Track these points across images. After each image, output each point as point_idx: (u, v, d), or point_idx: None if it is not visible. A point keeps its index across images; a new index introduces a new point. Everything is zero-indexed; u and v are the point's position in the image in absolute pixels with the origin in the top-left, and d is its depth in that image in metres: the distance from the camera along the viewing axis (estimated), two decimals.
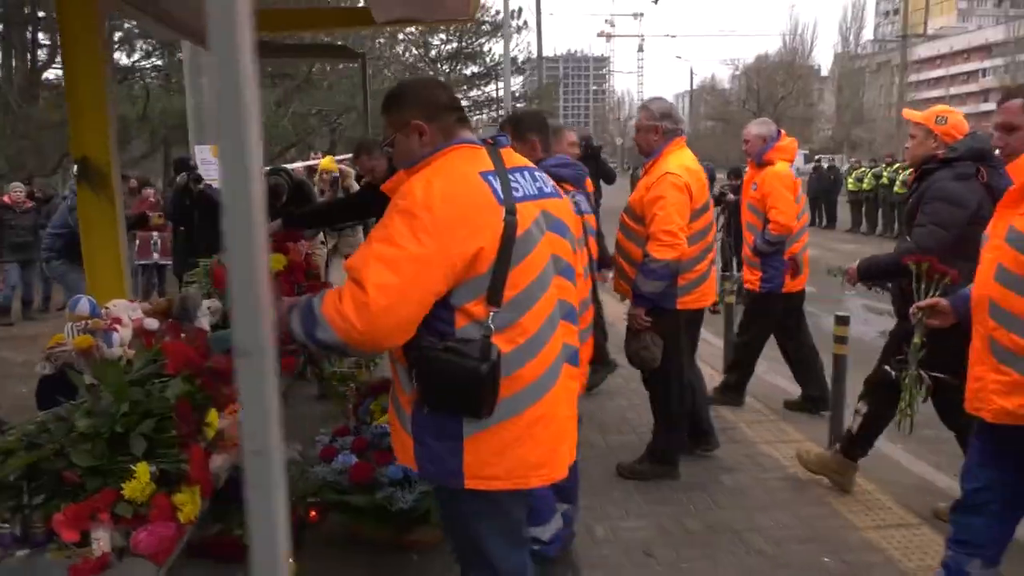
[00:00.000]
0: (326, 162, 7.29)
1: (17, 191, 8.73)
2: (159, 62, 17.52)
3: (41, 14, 14.70)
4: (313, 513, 3.23)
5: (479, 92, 26.76)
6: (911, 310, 2.81)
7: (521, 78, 29.02)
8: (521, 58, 27.54)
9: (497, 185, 1.86)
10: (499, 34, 25.63)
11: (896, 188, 15.30)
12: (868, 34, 64.26)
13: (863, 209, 17.09)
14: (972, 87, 63.29)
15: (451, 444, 1.87)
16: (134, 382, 2.48)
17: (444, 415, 1.86)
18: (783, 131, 4.90)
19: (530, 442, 1.88)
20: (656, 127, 3.66)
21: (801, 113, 53.21)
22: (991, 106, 55.32)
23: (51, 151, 13.49)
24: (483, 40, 24.87)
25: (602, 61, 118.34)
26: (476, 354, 1.79)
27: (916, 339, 2.91)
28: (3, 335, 7.98)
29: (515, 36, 26.57)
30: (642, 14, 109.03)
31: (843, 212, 17.98)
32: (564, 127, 4.69)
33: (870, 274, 3.56)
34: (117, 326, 2.80)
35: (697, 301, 3.78)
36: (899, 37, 60.07)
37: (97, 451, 2.27)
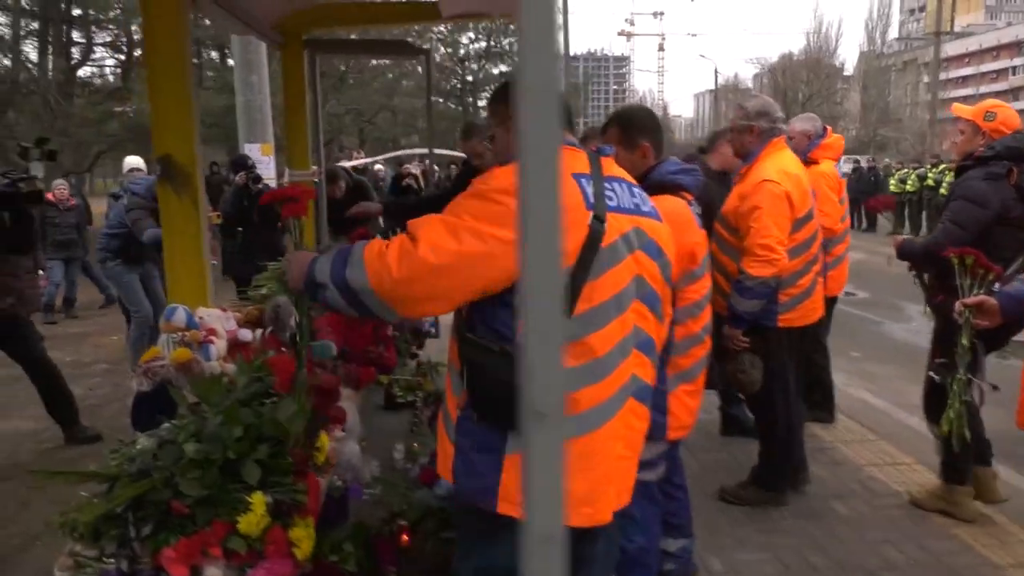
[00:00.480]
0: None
1: (61, 188, 8.62)
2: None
3: (77, 12, 14.68)
4: (405, 537, 3.02)
5: None
6: (956, 307, 2.63)
7: None
8: None
9: (589, 189, 1.72)
10: (444, 23, 25.48)
11: (942, 190, 14.91)
12: (893, 32, 63.37)
13: (906, 211, 16.70)
14: (1002, 85, 62.18)
15: (492, 458, 1.68)
16: (241, 402, 2.29)
17: (490, 425, 1.69)
18: (829, 127, 4.66)
19: (575, 475, 1.65)
20: (751, 127, 3.36)
21: (827, 112, 52.55)
22: (1020, 104, 54.61)
23: (87, 149, 13.44)
24: (512, 39, 24.64)
25: (622, 60, 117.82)
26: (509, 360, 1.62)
27: (963, 340, 2.70)
28: (48, 334, 7.87)
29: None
30: (662, 13, 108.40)
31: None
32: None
33: (904, 255, 3.52)
34: (213, 338, 2.61)
35: (802, 318, 3.45)
36: (927, 35, 59.32)
37: (208, 480, 2.07)
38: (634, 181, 1.93)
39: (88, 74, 15.35)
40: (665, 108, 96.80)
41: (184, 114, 3.08)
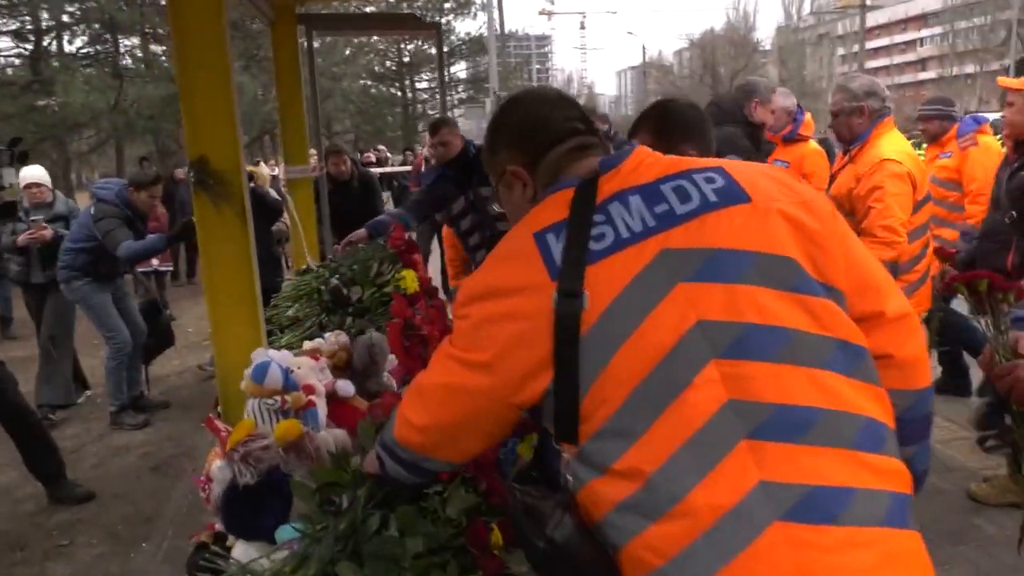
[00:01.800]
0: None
1: None
2: (99, 48, 16.06)
3: None
4: None
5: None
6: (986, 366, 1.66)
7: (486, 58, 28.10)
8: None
9: (555, 245, 1.14)
10: (464, 12, 24.73)
11: None
12: (807, 6, 64.96)
13: None
14: (911, 56, 64.62)
15: None
16: (386, 497, 1.70)
17: None
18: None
19: None
20: (861, 108, 3.14)
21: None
22: (929, 74, 56.82)
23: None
24: (448, 18, 23.84)
25: (544, 40, 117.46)
26: (535, 524, 1.14)
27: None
28: None
29: (476, 15, 25.69)
30: None
31: None
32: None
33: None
34: (314, 398, 1.99)
35: (917, 307, 3.16)
36: (838, 8, 61.02)
37: None
38: (677, 166, 1.21)
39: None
40: (591, 87, 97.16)
41: (223, 108, 2.43)
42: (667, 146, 1.75)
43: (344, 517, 1.61)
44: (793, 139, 4.48)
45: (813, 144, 4.54)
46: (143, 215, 4.82)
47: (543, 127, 1.32)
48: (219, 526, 1.94)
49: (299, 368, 2.05)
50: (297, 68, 4.59)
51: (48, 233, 4.87)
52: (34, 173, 5.25)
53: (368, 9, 12.97)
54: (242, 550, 1.80)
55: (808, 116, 4.57)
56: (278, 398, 1.90)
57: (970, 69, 49.84)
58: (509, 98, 1.45)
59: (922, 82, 60.00)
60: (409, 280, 3.29)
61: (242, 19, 11.33)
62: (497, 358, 1.14)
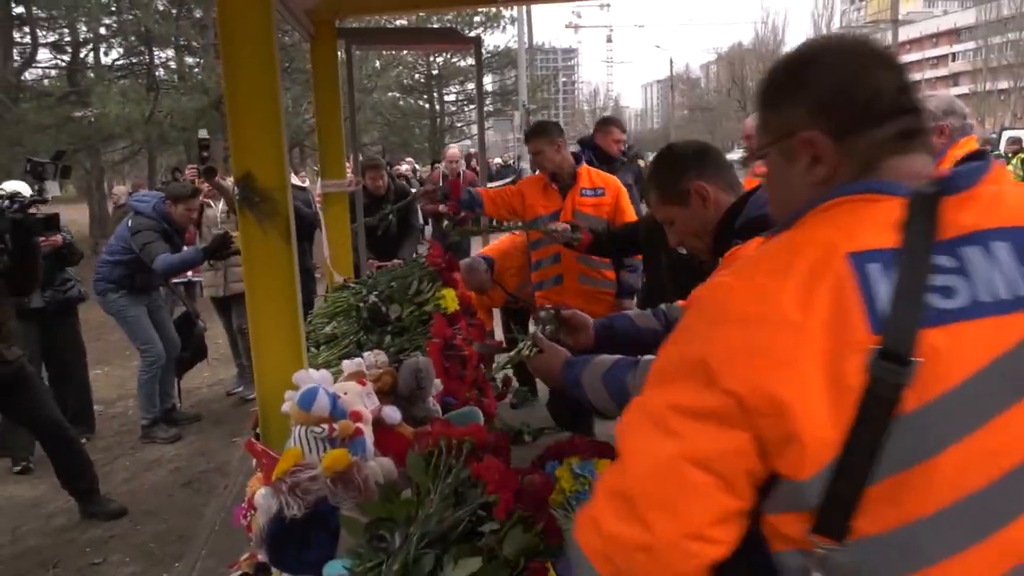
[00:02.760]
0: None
1: None
2: (134, 60, 16.32)
3: (18, 9, 13.45)
4: None
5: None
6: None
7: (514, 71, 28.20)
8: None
9: (880, 281, 0.83)
10: (493, 25, 24.82)
11: None
12: (836, 21, 64.56)
13: None
14: (942, 71, 63.90)
15: None
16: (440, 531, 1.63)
17: None
18: None
19: None
20: (941, 127, 3.06)
21: None
22: (962, 89, 56.12)
23: (41, 156, 12.28)
24: (478, 31, 23.91)
25: (570, 52, 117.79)
26: None
27: None
28: None
29: (505, 29, 25.80)
30: (609, 4, 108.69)
31: None
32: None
33: None
34: (361, 425, 1.93)
35: None
36: (868, 23, 60.60)
37: None
38: None
39: (35, 77, 14.08)
40: (617, 99, 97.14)
41: (270, 123, 2.38)
42: (673, 193, 1.77)
43: (397, 557, 1.54)
44: None
45: None
46: (180, 228, 4.81)
47: (869, 92, 0.94)
48: (262, 556, 1.88)
49: (346, 394, 1.99)
50: (336, 83, 4.56)
51: (59, 239, 4.46)
52: (14, 186, 5.20)
53: (399, 22, 13.05)
54: None
55: None
56: (326, 426, 1.84)
57: (1004, 84, 49.15)
58: (819, 41, 1.04)
59: (956, 96, 59.33)
60: (449, 299, 3.22)
61: (279, 33, 11.42)
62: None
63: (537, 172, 3.96)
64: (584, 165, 3.85)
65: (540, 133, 3.82)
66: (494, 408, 3.46)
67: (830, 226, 0.89)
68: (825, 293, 0.82)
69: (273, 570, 1.80)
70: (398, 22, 13.39)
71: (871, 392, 0.79)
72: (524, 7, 13.29)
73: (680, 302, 2.08)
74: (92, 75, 14.31)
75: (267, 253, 2.44)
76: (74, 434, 3.84)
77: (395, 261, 4.90)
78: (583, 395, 1.73)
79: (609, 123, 4.61)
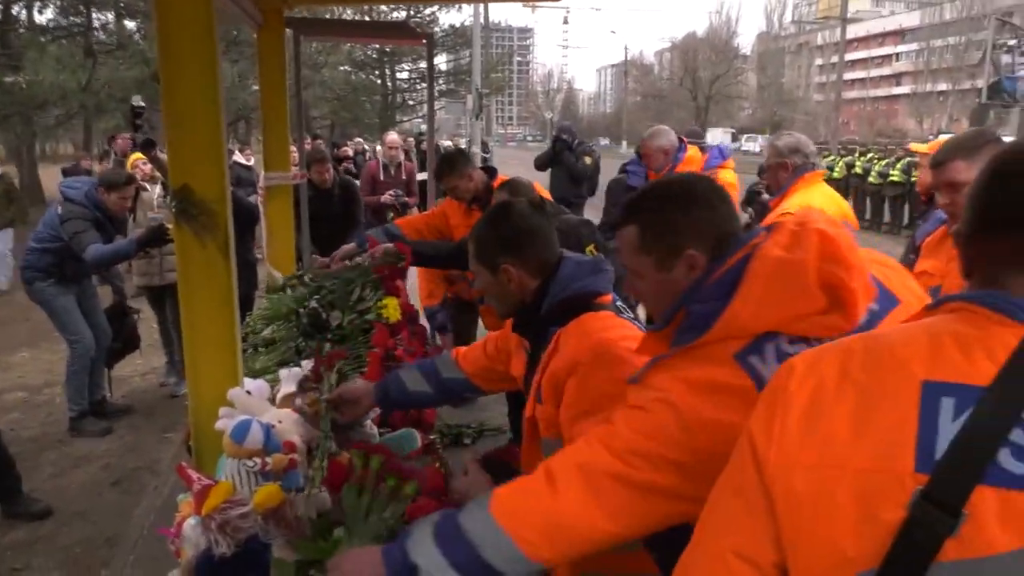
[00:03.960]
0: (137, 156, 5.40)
1: None
2: (73, 18, 15.58)
3: None
4: None
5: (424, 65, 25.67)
6: None
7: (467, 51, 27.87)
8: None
9: (946, 417, 0.79)
10: (449, 5, 24.48)
11: (871, 178, 15.23)
12: (789, 15, 65.65)
13: None
14: (886, 70, 65.60)
15: None
16: None
17: None
18: (684, 138, 4.82)
19: None
20: (785, 163, 3.46)
21: (736, 92, 53.93)
22: (903, 89, 57.61)
23: None
24: (434, 9, 23.58)
25: (526, 32, 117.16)
26: None
27: None
28: None
29: (461, 8, 25.46)
30: None
31: None
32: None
33: None
34: (295, 456, 1.90)
35: None
36: (819, 19, 61.74)
37: None
38: None
39: None
40: (571, 83, 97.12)
41: (209, 131, 2.31)
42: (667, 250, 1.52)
43: None
44: None
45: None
46: (113, 217, 4.64)
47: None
48: None
49: (280, 422, 1.96)
50: (283, 73, 4.45)
51: None
52: None
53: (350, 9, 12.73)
54: None
55: (691, 152, 4.73)
56: (258, 460, 1.81)
57: (943, 87, 50.76)
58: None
59: (896, 96, 61.03)
60: (391, 309, 3.19)
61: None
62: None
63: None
64: (500, 178, 3.76)
65: (448, 171, 3.77)
66: (433, 416, 3.46)
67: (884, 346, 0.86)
68: (883, 420, 0.80)
69: None
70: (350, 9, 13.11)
71: (907, 530, 0.76)
72: None
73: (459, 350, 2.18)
74: (25, 35, 13.58)
75: (205, 267, 2.37)
76: None
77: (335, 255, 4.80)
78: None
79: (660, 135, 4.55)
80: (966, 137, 2.35)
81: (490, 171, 3.86)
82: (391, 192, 6.90)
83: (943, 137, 3.91)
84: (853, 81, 63.22)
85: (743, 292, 1.18)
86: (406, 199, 7.22)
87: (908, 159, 13.83)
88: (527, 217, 1.79)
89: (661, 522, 1.18)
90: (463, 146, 16.45)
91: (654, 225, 1.31)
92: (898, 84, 62.73)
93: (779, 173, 3.51)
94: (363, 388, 2.12)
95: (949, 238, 2.36)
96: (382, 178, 7.27)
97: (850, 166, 16.29)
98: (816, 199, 3.35)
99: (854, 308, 1.17)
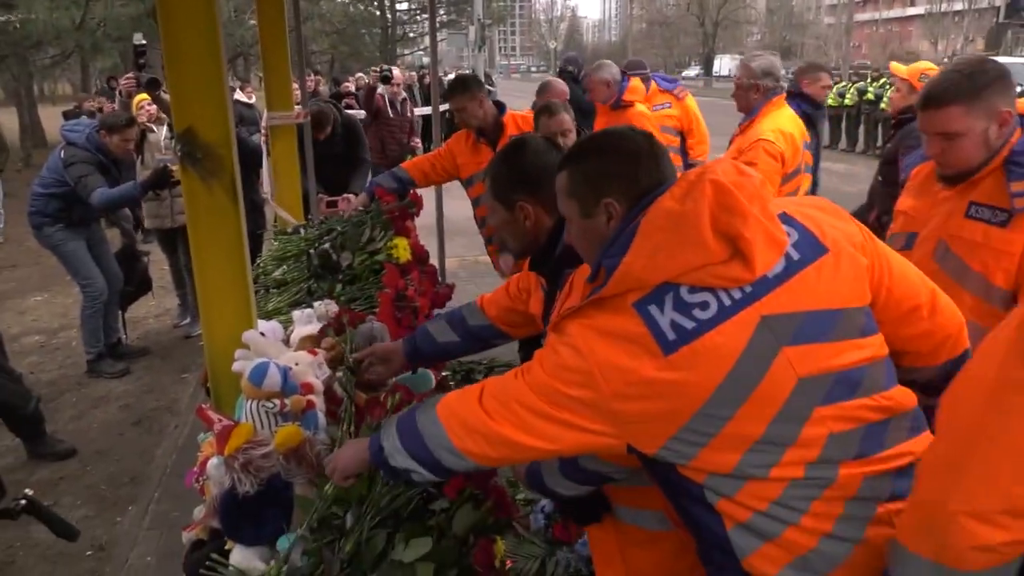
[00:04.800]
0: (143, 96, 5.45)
1: None
2: None
3: None
4: None
5: None
6: None
7: None
8: None
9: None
10: None
11: (883, 105, 14.91)
12: None
13: (843, 125, 16.70)
14: None
15: None
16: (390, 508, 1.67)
17: None
18: (626, 71, 5.09)
19: None
20: (756, 85, 3.45)
21: (744, 17, 52.48)
22: (918, 10, 55.86)
23: None
24: None
25: None
26: None
27: None
28: None
29: None
30: None
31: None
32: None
33: None
34: (312, 397, 1.94)
35: None
36: None
37: None
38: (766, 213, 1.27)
39: None
40: (574, 10, 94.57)
41: (212, 74, 2.27)
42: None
43: (349, 538, 1.59)
44: (619, 106, 4.90)
45: (640, 107, 4.88)
46: (118, 160, 4.61)
47: None
48: (215, 524, 1.91)
49: (297, 364, 1.99)
50: (281, 6, 4.34)
51: None
52: None
53: None
54: (241, 555, 1.78)
55: (634, 82, 4.97)
56: (277, 401, 1.85)
57: (959, 6, 49.20)
58: None
59: (910, 18, 59.25)
60: (401, 249, 3.19)
61: None
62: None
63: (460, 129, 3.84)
64: (509, 112, 3.72)
65: (460, 89, 3.66)
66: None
67: None
68: None
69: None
70: None
71: None
72: None
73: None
74: None
75: (213, 211, 2.36)
76: (15, 372, 3.75)
77: (346, 196, 4.80)
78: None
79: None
80: (963, 74, 1.90)
81: (499, 105, 3.78)
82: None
83: (922, 64, 3.81)
84: (865, 2, 61.33)
85: (635, 245, 1.23)
86: (413, 145, 7.23)
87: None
88: (543, 153, 1.75)
89: (576, 448, 1.31)
90: None
91: (580, 173, 1.38)
92: (912, 4, 60.77)
93: (750, 94, 3.51)
94: (392, 347, 2.13)
95: (934, 181, 2.11)
96: (390, 115, 7.21)
97: (862, 92, 15.95)
98: (784, 123, 3.39)
99: (752, 257, 1.19)
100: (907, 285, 1.39)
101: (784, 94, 3.57)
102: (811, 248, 1.26)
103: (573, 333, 1.24)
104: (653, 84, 5.32)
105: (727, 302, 1.18)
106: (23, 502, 1.64)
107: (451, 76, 17.14)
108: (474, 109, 3.59)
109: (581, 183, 1.37)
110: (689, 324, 1.17)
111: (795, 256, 1.24)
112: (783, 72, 3.59)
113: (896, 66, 3.77)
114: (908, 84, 3.63)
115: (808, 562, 1.20)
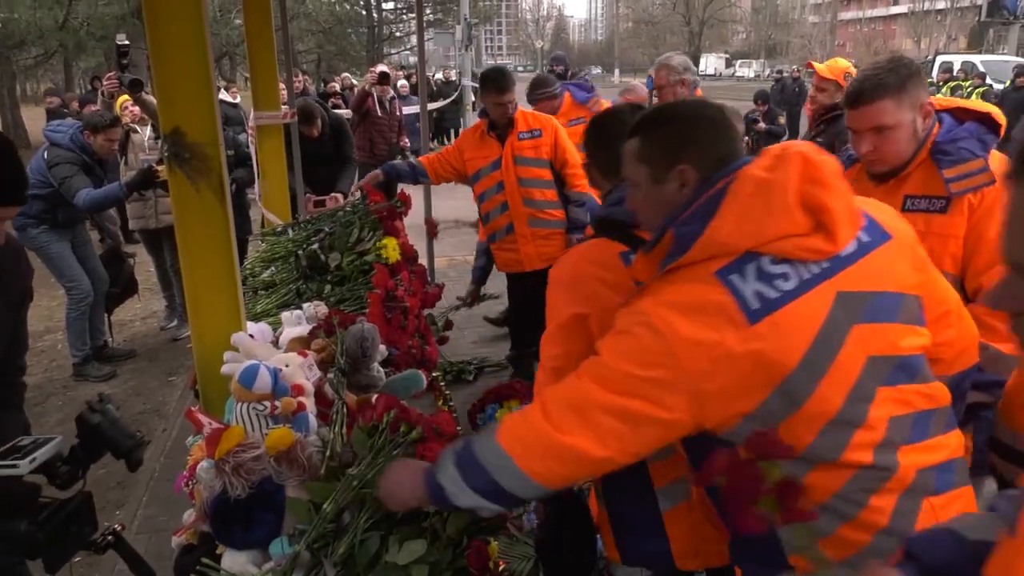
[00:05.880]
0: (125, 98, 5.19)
1: None
2: None
3: None
4: None
5: None
6: None
7: None
8: None
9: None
10: None
11: None
12: None
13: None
14: None
15: None
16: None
17: None
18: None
19: None
20: (683, 80, 3.63)
21: (730, 16, 52.71)
22: (901, 9, 56.30)
23: None
24: None
25: None
26: None
27: None
28: None
29: None
30: None
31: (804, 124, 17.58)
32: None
33: None
34: (303, 399, 1.92)
35: None
36: None
37: None
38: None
39: None
40: (561, 9, 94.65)
41: (199, 74, 2.25)
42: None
43: (343, 541, 1.57)
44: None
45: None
46: (102, 160, 4.57)
47: None
48: (206, 527, 1.89)
49: (287, 366, 1.98)
50: (267, 5, 4.31)
51: None
52: None
53: None
54: (232, 559, 1.76)
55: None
56: (267, 403, 1.83)
57: (941, 4, 49.61)
58: None
59: (893, 16, 59.73)
60: (390, 249, 3.18)
61: None
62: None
63: (479, 119, 3.89)
64: (520, 109, 3.80)
65: (511, 84, 3.73)
66: (436, 354, 3.50)
67: None
68: None
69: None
70: None
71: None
72: None
73: None
74: None
75: (201, 212, 2.34)
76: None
77: (333, 195, 4.77)
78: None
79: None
80: (887, 69, 1.92)
81: None
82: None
83: (842, 62, 3.83)
84: (849, 1, 61.76)
85: (723, 210, 1.21)
86: (402, 144, 7.26)
87: None
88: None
89: (655, 445, 1.24)
90: (454, 78, 16.12)
91: (654, 138, 1.36)
92: (895, 3, 61.25)
93: (678, 90, 3.68)
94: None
95: (865, 180, 2.07)
96: (379, 113, 7.21)
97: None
98: None
99: (835, 230, 1.19)
100: (943, 288, 1.40)
101: (699, 90, 3.76)
102: (878, 233, 1.28)
103: (647, 311, 1.20)
104: (567, 96, 4.95)
105: (806, 275, 1.19)
106: (110, 537, 1.62)
107: (439, 76, 17.06)
108: (515, 102, 3.75)
109: (656, 148, 1.35)
110: (773, 294, 1.17)
111: (865, 239, 1.26)
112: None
113: (817, 66, 3.83)
114: (835, 83, 3.68)
115: (861, 558, 1.18)
